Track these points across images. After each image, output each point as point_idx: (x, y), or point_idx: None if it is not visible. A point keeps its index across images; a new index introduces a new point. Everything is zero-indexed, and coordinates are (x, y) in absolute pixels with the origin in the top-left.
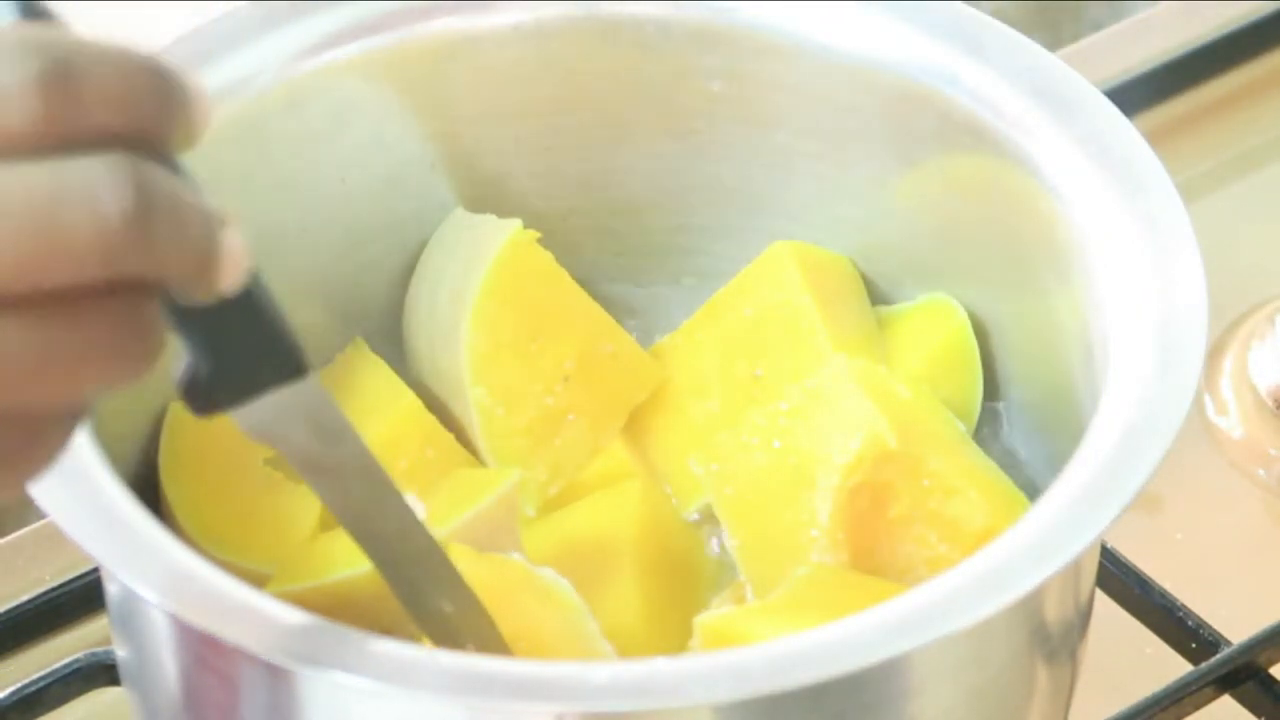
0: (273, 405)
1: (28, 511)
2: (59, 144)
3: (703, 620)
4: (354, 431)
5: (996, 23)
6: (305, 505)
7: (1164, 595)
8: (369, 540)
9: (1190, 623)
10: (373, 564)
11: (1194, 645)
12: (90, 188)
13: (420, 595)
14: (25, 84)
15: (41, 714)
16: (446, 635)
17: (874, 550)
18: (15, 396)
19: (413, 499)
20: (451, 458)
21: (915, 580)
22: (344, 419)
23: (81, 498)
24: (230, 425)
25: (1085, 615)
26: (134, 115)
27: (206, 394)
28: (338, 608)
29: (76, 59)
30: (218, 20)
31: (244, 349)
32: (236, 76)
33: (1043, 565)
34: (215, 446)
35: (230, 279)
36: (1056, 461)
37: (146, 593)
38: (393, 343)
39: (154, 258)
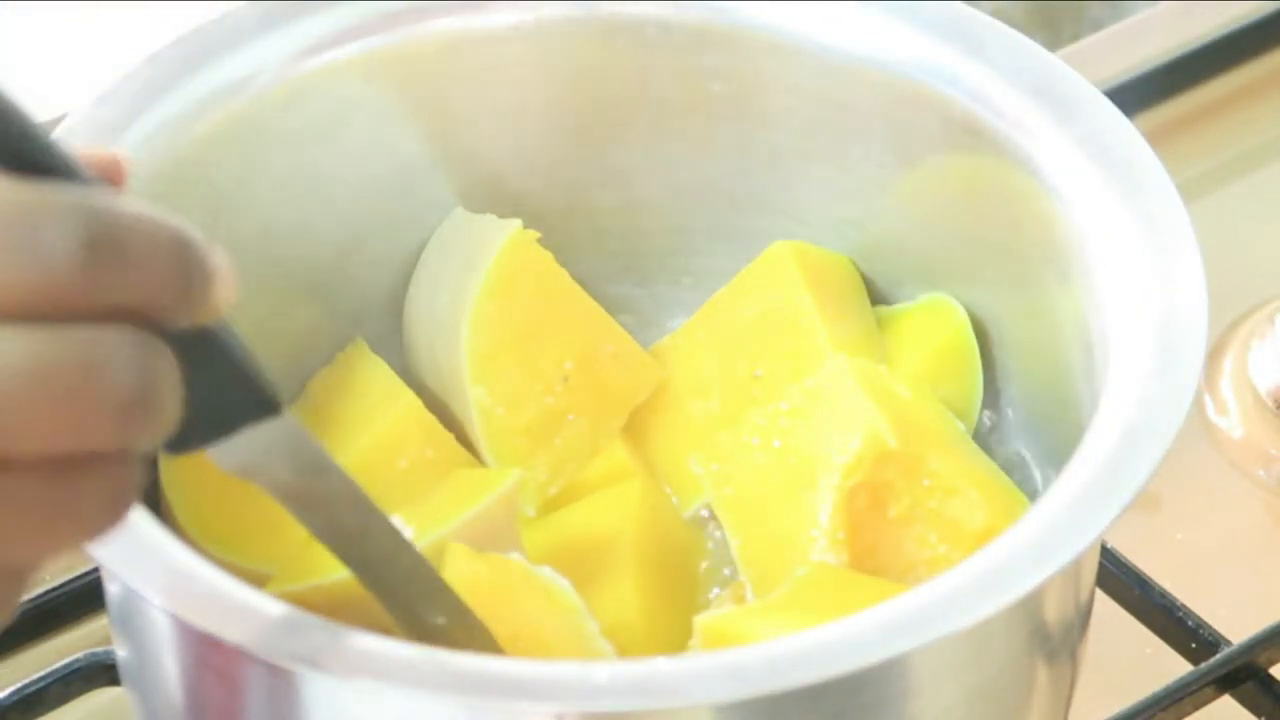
0: (248, 443)
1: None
2: (88, 315)
3: (703, 620)
4: (334, 464)
5: (996, 23)
6: None
7: (1164, 595)
8: (357, 565)
9: (1190, 623)
10: (363, 586)
11: (1194, 645)
12: (114, 365)
13: (413, 612)
14: (70, 254)
15: (41, 714)
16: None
17: (874, 550)
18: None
19: (398, 520)
20: (451, 458)
21: (915, 580)
22: (323, 452)
23: None
24: None
25: (1085, 615)
26: (163, 294)
27: (179, 434)
28: (338, 608)
29: (121, 233)
30: (218, 20)
31: (214, 390)
32: (236, 76)
33: (1043, 565)
34: None
35: None
36: (1056, 461)
37: (146, 593)
38: (393, 343)
39: (151, 438)
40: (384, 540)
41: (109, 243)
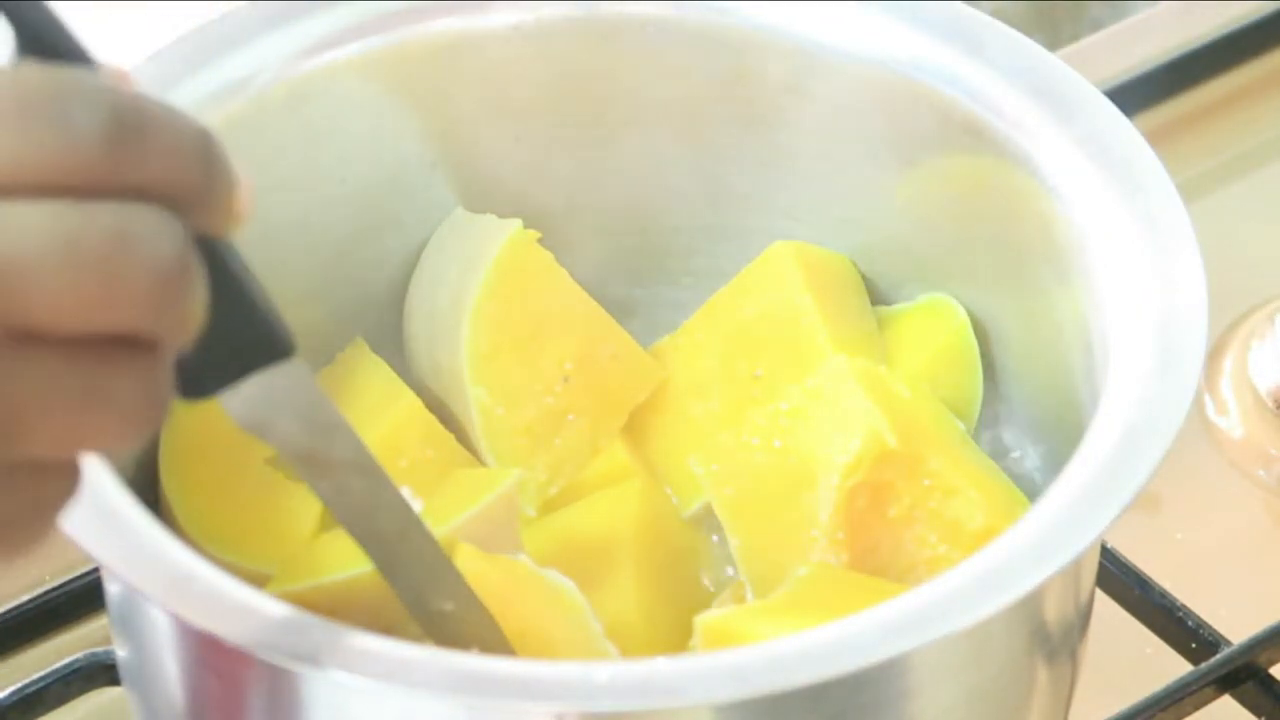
0: (262, 391)
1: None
2: (113, 191)
3: (703, 620)
4: (349, 426)
5: (996, 23)
6: (305, 505)
7: (1164, 595)
8: (368, 540)
9: (1190, 623)
10: (373, 565)
11: (1194, 645)
12: (145, 236)
13: (422, 596)
14: (96, 129)
15: (41, 714)
16: (449, 636)
17: (874, 550)
18: (38, 441)
19: (406, 491)
20: (451, 458)
21: (915, 580)
22: (337, 412)
23: (81, 497)
24: (230, 425)
25: (1085, 615)
26: (187, 182)
27: (194, 377)
28: (338, 608)
29: (144, 114)
30: (218, 20)
31: (229, 330)
32: (236, 76)
33: (1043, 565)
34: (215, 446)
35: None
36: (1056, 461)
37: (146, 593)
38: (393, 343)
39: (181, 325)
40: (396, 515)
41: (135, 123)
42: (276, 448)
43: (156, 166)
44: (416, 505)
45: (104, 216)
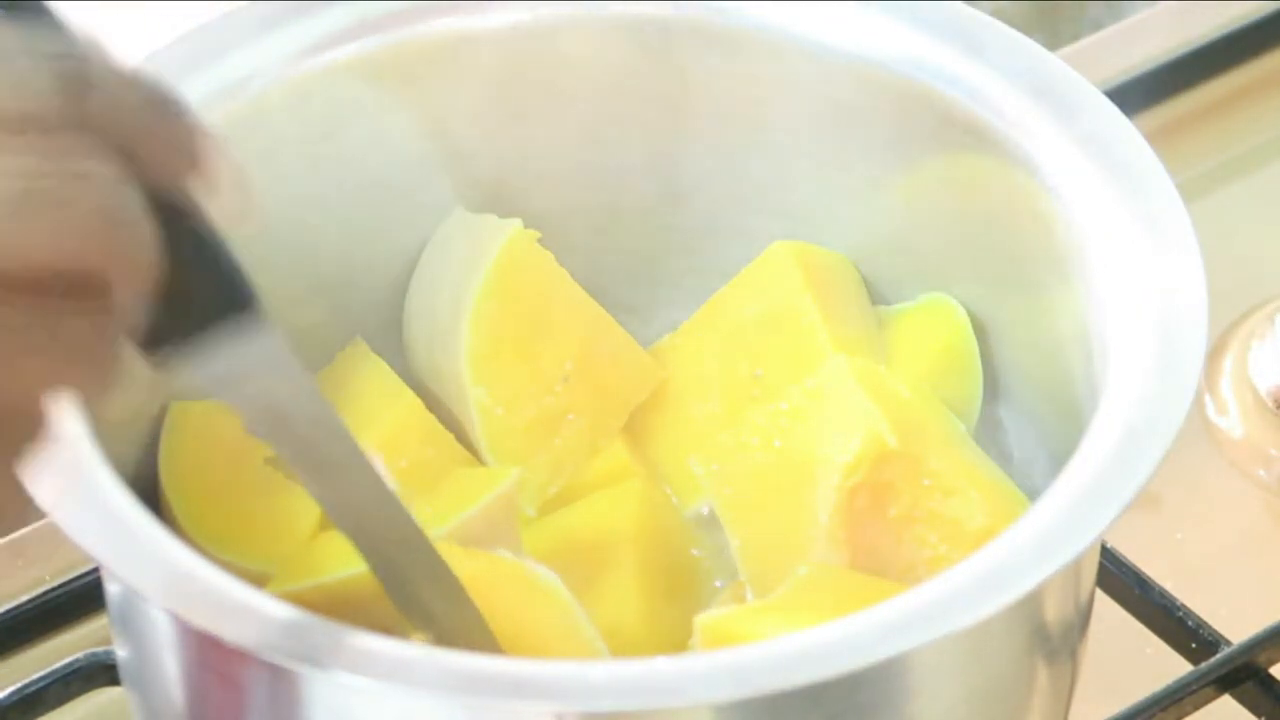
0: (228, 356)
1: (27, 511)
2: (60, 136)
3: (703, 620)
4: (320, 396)
5: (996, 23)
6: (305, 505)
7: (1164, 595)
8: (360, 536)
9: (1190, 623)
10: (365, 561)
11: (1194, 645)
12: (97, 179)
13: (413, 596)
14: (44, 78)
15: (41, 714)
16: (440, 636)
17: (874, 550)
18: None
19: (380, 466)
20: (451, 458)
21: (915, 580)
22: (305, 374)
23: (81, 497)
24: (230, 425)
25: (1085, 615)
26: (133, 121)
27: (156, 335)
28: (338, 608)
29: (90, 62)
30: (218, 20)
31: (189, 283)
32: (236, 76)
33: (1043, 565)
34: (215, 446)
35: None
36: (1056, 461)
37: (146, 593)
38: (393, 343)
39: (139, 260)
40: (386, 510)
41: (79, 72)
42: (241, 413)
43: (102, 112)
44: (380, 468)
45: (51, 157)
